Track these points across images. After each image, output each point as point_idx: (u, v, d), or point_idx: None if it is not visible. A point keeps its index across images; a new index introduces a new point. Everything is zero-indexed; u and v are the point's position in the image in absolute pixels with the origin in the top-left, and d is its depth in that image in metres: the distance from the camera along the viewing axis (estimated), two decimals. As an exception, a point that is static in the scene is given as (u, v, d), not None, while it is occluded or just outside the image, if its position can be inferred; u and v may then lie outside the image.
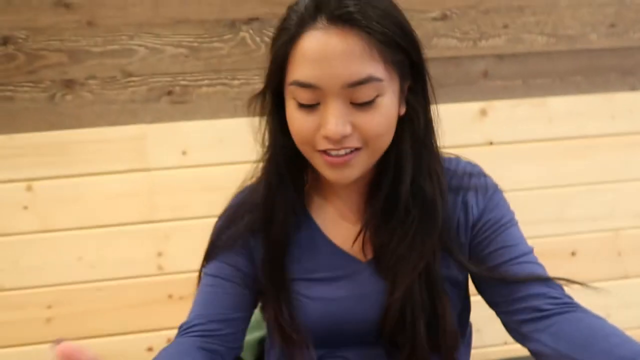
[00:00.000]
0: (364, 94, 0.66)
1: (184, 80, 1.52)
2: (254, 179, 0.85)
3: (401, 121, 0.74)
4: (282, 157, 0.76)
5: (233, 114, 1.54)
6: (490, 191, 0.80)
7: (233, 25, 1.52)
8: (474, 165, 0.83)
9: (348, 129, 0.67)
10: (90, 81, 1.49)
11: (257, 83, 1.53)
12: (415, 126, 0.75)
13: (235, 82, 1.54)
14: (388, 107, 0.69)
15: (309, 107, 0.68)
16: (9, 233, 1.48)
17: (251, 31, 1.53)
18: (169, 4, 1.49)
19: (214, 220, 0.85)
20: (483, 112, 1.63)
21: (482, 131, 1.62)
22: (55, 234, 1.49)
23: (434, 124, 0.78)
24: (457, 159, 0.83)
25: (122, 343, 1.53)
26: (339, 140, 0.67)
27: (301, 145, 0.72)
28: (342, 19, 0.65)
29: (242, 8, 1.52)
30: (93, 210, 1.50)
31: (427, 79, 0.75)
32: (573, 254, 1.63)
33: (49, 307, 1.50)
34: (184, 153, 1.53)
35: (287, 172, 0.77)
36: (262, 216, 0.79)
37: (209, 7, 1.51)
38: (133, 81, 1.50)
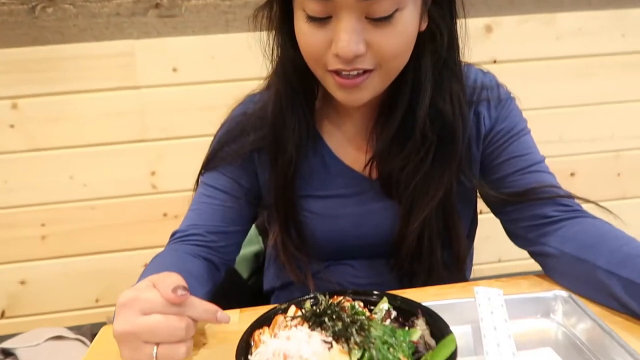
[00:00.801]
0: (381, 7, 0.59)
1: (171, -9, 1.43)
2: (256, 90, 0.81)
3: (422, 37, 0.66)
4: (293, 71, 0.70)
5: (225, 29, 1.46)
6: (502, 101, 0.75)
7: None
8: (486, 74, 0.78)
9: (362, 48, 0.60)
10: (72, -8, 1.40)
11: (251, -5, 1.44)
12: (437, 43, 0.67)
13: (227, -6, 1.45)
14: (407, 23, 0.61)
15: (319, 21, 0.61)
16: (-3, 152, 1.45)
17: None
18: None
19: (207, 139, 0.82)
20: (488, 29, 1.55)
21: (486, 49, 1.55)
22: (44, 153, 1.46)
23: (459, 42, 0.69)
24: (469, 67, 0.76)
25: (118, 260, 1.55)
26: (351, 60, 0.61)
27: (311, 63, 0.66)
28: None
29: None
30: (82, 129, 1.46)
31: None
32: (572, 174, 1.62)
33: (43, 225, 1.50)
34: (174, 70, 1.46)
35: (299, 86, 0.72)
36: (271, 133, 0.74)
37: None
38: (118, -7, 1.41)
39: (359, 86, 0.64)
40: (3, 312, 1.55)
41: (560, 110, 1.62)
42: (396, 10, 0.60)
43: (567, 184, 0.73)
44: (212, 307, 0.50)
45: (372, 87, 0.65)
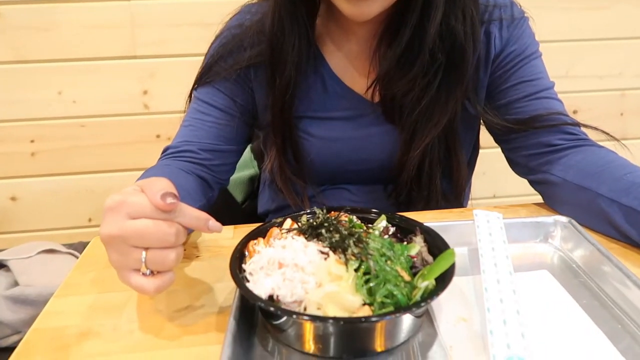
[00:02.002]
0: None
1: None
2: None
3: None
4: None
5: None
6: (515, 21, 0.71)
7: None
8: None
9: None
10: None
11: None
12: None
13: None
14: None
15: None
16: (-20, 62, 1.38)
17: None
18: None
19: (202, 58, 0.77)
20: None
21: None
22: (30, 66, 1.39)
23: None
24: None
25: (111, 180, 1.52)
26: None
27: None
28: None
29: None
30: (69, 41, 1.38)
31: None
32: (575, 112, 1.59)
33: (32, 141, 1.46)
34: (166, -19, 1.38)
35: None
36: (269, 50, 0.69)
37: None
38: None
39: None
40: (-6, 227, 1.54)
41: (569, 44, 1.56)
42: None
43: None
44: (203, 214, 0.48)
45: None
